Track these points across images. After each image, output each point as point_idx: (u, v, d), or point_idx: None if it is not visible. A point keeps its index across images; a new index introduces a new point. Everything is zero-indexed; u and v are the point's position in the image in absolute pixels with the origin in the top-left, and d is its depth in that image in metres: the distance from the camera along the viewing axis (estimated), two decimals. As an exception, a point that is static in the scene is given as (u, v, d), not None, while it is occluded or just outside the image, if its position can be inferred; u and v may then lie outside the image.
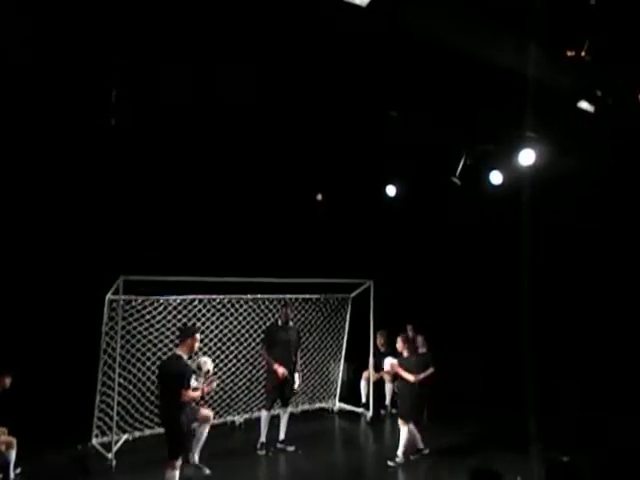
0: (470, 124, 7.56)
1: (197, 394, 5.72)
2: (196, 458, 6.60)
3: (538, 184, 8.09)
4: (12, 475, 5.98)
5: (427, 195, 9.66)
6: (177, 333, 6.57)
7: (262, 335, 8.01)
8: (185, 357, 5.64)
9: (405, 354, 7.28)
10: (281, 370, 7.34)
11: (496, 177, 8.39)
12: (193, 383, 5.67)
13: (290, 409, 7.88)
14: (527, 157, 7.63)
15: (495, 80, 6.11)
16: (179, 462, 5.50)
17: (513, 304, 9.09)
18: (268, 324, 8.28)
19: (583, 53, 5.06)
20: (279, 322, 7.92)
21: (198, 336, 5.87)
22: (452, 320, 10.19)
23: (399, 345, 7.33)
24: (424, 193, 9.60)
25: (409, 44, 5.61)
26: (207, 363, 6.34)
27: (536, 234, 8.64)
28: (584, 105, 5.74)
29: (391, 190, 9.73)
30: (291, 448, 7.46)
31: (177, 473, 5.45)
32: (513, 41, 5.23)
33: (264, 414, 7.52)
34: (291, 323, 7.94)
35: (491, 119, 7.43)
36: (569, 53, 5.07)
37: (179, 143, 8.27)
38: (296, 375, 7.59)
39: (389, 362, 7.27)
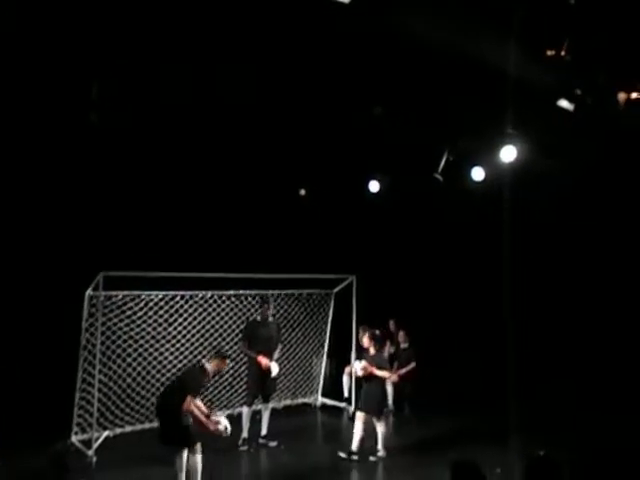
0: (452, 121, 7.61)
1: (197, 413, 5.60)
2: None
3: (519, 180, 8.18)
4: (-10, 473, 5.92)
5: (410, 191, 9.71)
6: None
7: (243, 331, 7.99)
8: (209, 372, 5.76)
9: (372, 351, 7.19)
10: (264, 361, 7.35)
11: (478, 173, 8.44)
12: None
13: (272, 404, 7.90)
14: (508, 154, 7.67)
15: (476, 78, 6.17)
16: (198, 446, 5.63)
17: (495, 299, 9.20)
18: (249, 320, 8.27)
19: (563, 52, 5.12)
20: (258, 318, 7.93)
21: (228, 362, 6.12)
22: (434, 315, 10.28)
23: (365, 342, 7.25)
24: (407, 189, 9.65)
25: (392, 41, 5.66)
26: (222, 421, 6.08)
27: (518, 230, 8.75)
28: (564, 104, 5.82)
29: (374, 186, 9.75)
30: (273, 444, 7.50)
31: (199, 456, 5.61)
32: (494, 39, 5.27)
33: (245, 410, 7.55)
34: (271, 319, 7.93)
35: (473, 116, 7.47)
36: (549, 52, 5.13)
37: (160, 137, 8.21)
38: (273, 364, 7.50)
39: (360, 366, 7.07)
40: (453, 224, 9.88)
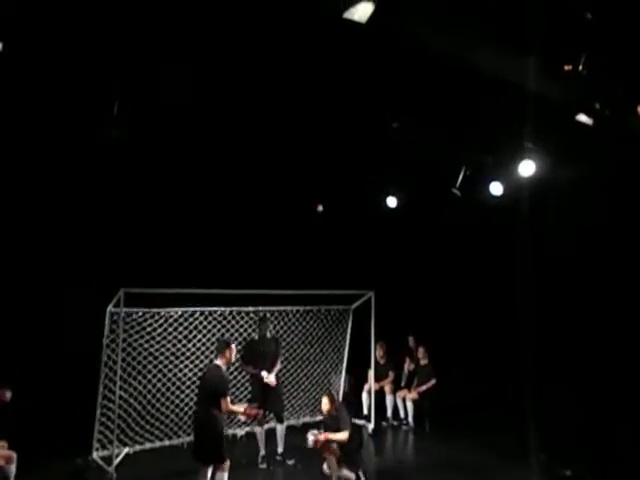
0: (470, 135, 7.62)
1: (236, 408, 5.89)
2: None
3: (538, 195, 8.16)
4: (13, 489, 5.98)
5: (428, 206, 9.71)
6: (213, 345, 7.28)
7: (240, 351, 7.90)
8: (224, 368, 5.82)
9: (333, 413, 6.58)
10: (264, 373, 7.32)
11: (496, 188, 8.42)
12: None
13: (288, 422, 7.86)
14: (527, 168, 7.65)
15: (494, 92, 6.19)
16: (227, 463, 5.66)
17: (514, 314, 9.12)
18: (247, 340, 8.15)
19: (580, 67, 5.13)
20: (256, 337, 7.89)
21: (234, 346, 6.03)
22: (454, 331, 10.21)
23: (326, 407, 6.59)
24: (425, 204, 9.65)
25: (410, 57, 5.69)
26: None
27: (536, 244, 8.70)
28: (582, 118, 5.81)
29: (392, 201, 9.78)
30: (290, 462, 7.46)
31: (226, 475, 5.63)
32: (512, 54, 5.31)
33: (258, 429, 7.53)
34: (269, 335, 7.86)
35: (491, 131, 7.50)
36: (566, 67, 5.14)
37: (179, 154, 8.32)
38: (264, 373, 7.35)
39: (312, 438, 6.31)
40: (471, 239, 9.84)
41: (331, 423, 6.53)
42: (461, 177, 8.46)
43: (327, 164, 9.11)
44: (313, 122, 7.68)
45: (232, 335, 8.48)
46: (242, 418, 7.40)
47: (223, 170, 8.89)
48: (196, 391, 7.90)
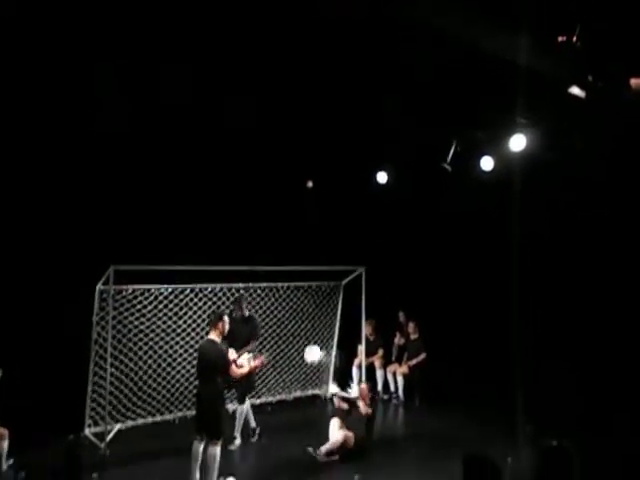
0: (461, 110, 7.53)
1: (244, 370, 6.04)
2: None
3: (529, 170, 8.10)
4: (4, 466, 5.99)
5: (418, 182, 9.65)
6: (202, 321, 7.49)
7: None
8: (218, 340, 5.88)
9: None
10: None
11: (487, 163, 8.36)
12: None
13: (281, 397, 7.86)
14: (518, 143, 7.61)
15: (485, 66, 6.09)
16: (220, 441, 5.77)
17: (504, 289, 9.14)
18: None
19: (574, 39, 5.05)
20: (234, 315, 7.59)
21: (226, 318, 6.08)
22: (444, 306, 10.24)
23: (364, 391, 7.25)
24: (415, 180, 9.59)
25: (398, 30, 5.59)
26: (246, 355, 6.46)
27: (527, 220, 8.68)
28: (575, 91, 5.74)
29: (382, 177, 9.72)
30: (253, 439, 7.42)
31: (219, 449, 5.74)
32: (503, 27, 5.20)
33: (243, 407, 7.35)
34: (247, 313, 7.69)
35: (482, 105, 7.41)
36: (560, 39, 5.06)
37: (167, 131, 8.20)
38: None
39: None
40: (462, 214, 9.81)
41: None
42: (452, 152, 8.39)
43: (317, 140, 9.00)
44: (303, 97, 7.57)
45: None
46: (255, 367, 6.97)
47: (213, 146, 8.77)
48: (187, 367, 7.98)
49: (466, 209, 9.67)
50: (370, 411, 7.05)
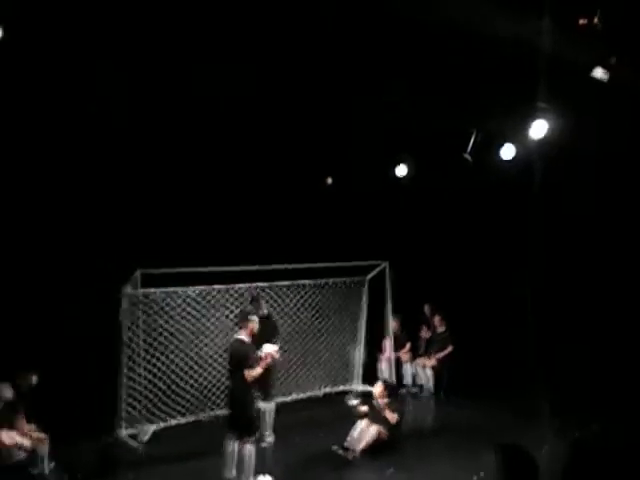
0: (480, 98, 7.43)
1: (257, 371, 5.85)
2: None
3: (551, 157, 7.99)
4: (47, 470, 6.11)
5: (439, 173, 9.56)
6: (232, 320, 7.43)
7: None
8: (247, 340, 5.88)
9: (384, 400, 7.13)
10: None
11: (507, 152, 8.28)
12: None
13: (312, 393, 7.85)
14: (539, 129, 7.50)
15: (505, 51, 6.01)
16: (253, 438, 5.82)
17: (530, 280, 9.05)
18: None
19: (595, 21, 4.96)
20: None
21: (254, 317, 6.11)
22: (469, 298, 10.17)
23: (380, 392, 7.15)
24: (436, 171, 9.50)
25: (417, 17, 5.51)
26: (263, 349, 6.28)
27: (550, 208, 8.58)
28: (598, 73, 5.64)
29: (402, 170, 9.69)
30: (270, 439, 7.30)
31: (253, 448, 5.77)
32: (523, 10, 5.13)
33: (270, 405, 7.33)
34: (266, 311, 7.60)
35: (501, 92, 7.31)
36: (581, 21, 4.97)
37: (189, 130, 8.22)
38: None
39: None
40: (484, 204, 9.72)
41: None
42: (472, 142, 8.31)
43: (334, 136, 8.98)
44: (319, 93, 7.55)
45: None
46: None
47: (234, 146, 8.80)
48: (217, 367, 8.06)
49: (488, 199, 9.58)
50: (397, 418, 6.98)
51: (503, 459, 3.35)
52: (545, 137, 7.51)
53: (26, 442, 5.80)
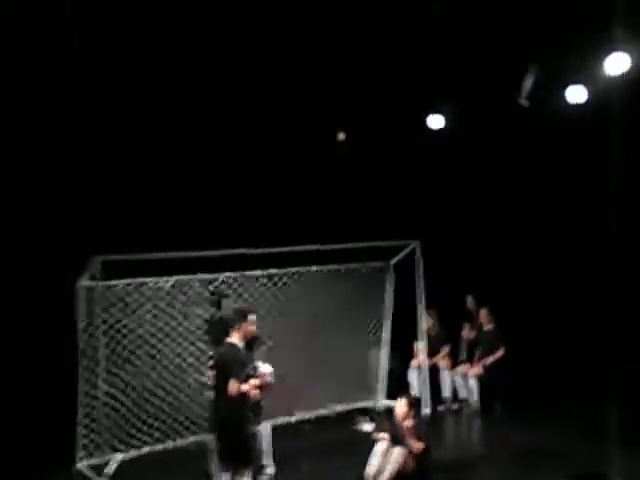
0: (540, 26, 7.33)
1: (246, 387, 5.82)
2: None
3: (633, 100, 7.91)
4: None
5: (485, 125, 9.50)
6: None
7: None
8: (240, 345, 5.91)
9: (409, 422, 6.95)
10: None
11: (576, 94, 8.24)
12: None
13: (319, 413, 8.01)
14: (617, 64, 7.49)
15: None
16: (250, 469, 5.82)
17: (601, 263, 9.03)
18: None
19: None
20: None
21: (252, 317, 6.16)
22: (523, 287, 10.18)
23: (404, 412, 6.94)
24: (481, 122, 9.44)
25: None
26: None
27: (633, 168, 8.50)
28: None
29: (436, 121, 9.62)
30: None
31: None
32: None
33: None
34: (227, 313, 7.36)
35: (567, 18, 7.22)
36: None
37: (169, 81, 8.34)
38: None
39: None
40: (545, 165, 9.66)
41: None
42: (530, 83, 8.24)
43: (349, 76, 8.91)
44: (328, 20, 7.50)
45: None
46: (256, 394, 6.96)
47: (222, 95, 8.79)
48: (200, 378, 8.08)
49: (549, 158, 9.51)
50: (422, 446, 6.80)
51: None
52: (625, 74, 7.48)
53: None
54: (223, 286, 8.33)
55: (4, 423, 7.42)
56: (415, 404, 7.31)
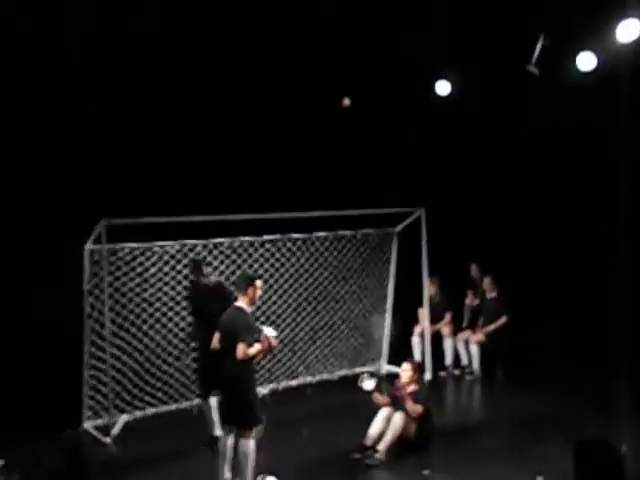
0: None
1: (253, 351, 5.87)
2: None
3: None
4: (-6, 469, 6.28)
5: (492, 91, 9.41)
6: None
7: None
8: (247, 310, 5.96)
9: (413, 387, 7.05)
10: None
11: (586, 61, 8.15)
12: None
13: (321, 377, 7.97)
14: (629, 30, 7.41)
15: None
16: (254, 432, 5.84)
17: (608, 232, 9.00)
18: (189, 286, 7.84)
19: None
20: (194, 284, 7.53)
21: (259, 283, 6.17)
22: (528, 255, 10.17)
23: (408, 377, 7.06)
24: (488, 89, 9.35)
25: None
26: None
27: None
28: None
29: (443, 87, 9.55)
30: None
31: (253, 443, 5.81)
32: None
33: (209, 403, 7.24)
34: (213, 279, 7.58)
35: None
36: None
37: (176, 47, 8.35)
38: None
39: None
40: (552, 133, 9.59)
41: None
42: (538, 49, 8.14)
43: (352, 40, 8.83)
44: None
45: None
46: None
47: (223, 57, 8.70)
48: (205, 342, 8.15)
49: (558, 125, 9.43)
50: (420, 410, 6.88)
51: (585, 458, 3.36)
52: (637, 41, 7.41)
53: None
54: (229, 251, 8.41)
55: (12, 385, 7.48)
56: (419, 369, 7.42)
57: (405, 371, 7.13)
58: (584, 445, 3.42)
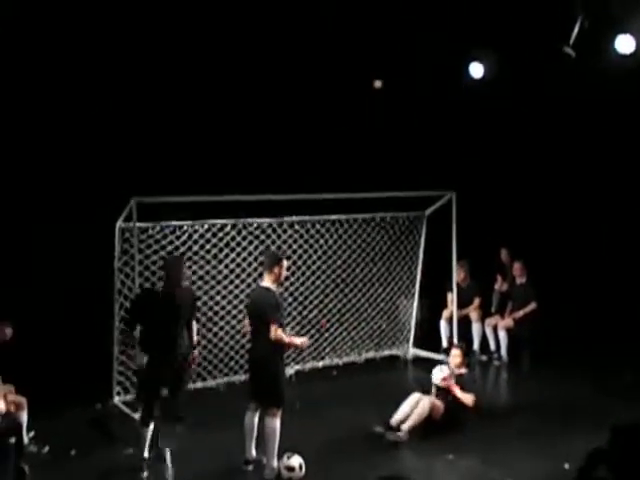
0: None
1: (287, 339, 6.01)
2: None
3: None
4: (26, 439, 6.41)
5: (528, 74, 9.28)
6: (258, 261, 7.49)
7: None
8: (274, 288, 6.02)
9: (463, 370, 7.28)
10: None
11: (625, 44, 8.01)
12: None
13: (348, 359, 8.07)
14: None
15: None
16: (280, 410, 5.91)
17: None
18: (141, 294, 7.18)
19: None
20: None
21: (285, 263, 6.24)
22: (560, 240, 10.06)
23: (458, 362, 7.28)
24: (523, 71, 9.23)
25: None
26: None
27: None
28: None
29: (477, 69, 9.45)
30: None
31: (279, 422, 5.88)
32: None
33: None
34: (186, 283, 6.98)
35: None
36: None
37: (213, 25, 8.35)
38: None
39: (440, 376, 7.02)
40: (589, 117, 9.45)
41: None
42: (576, 31, 7.97)
43: (386, 23, 8.75)
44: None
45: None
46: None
47: (255, 42, 8.69)
48: (232, 322, 8.23)
49: (594, 109, 9.30)
50: (472, 398, 7.00)
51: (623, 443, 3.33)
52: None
53: (1, 405, 6.05)
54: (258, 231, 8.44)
55: (46, 359, 7.62)
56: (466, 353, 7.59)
57: (455, 357, 7.32)
58: (620, 429, 3.38)
